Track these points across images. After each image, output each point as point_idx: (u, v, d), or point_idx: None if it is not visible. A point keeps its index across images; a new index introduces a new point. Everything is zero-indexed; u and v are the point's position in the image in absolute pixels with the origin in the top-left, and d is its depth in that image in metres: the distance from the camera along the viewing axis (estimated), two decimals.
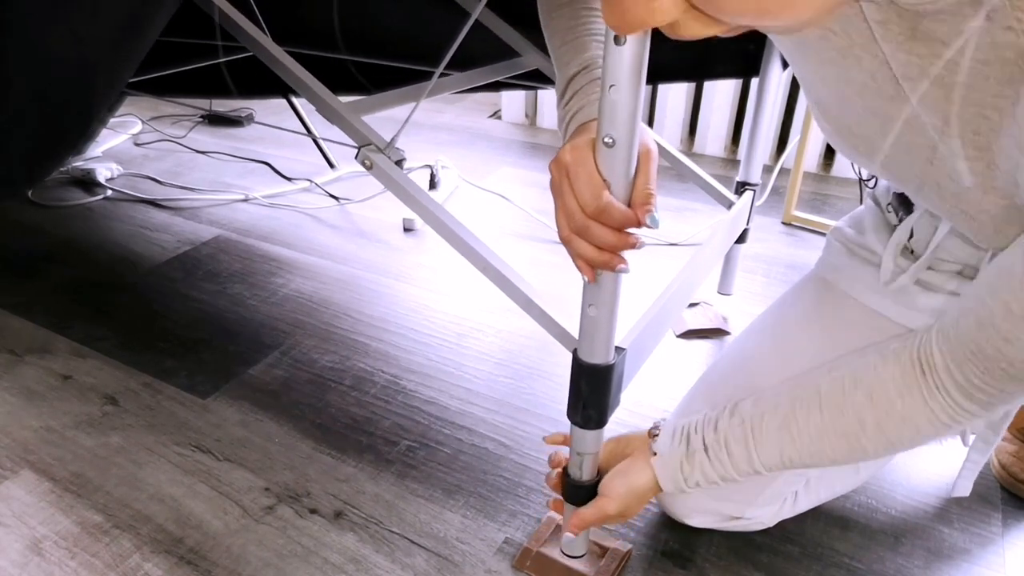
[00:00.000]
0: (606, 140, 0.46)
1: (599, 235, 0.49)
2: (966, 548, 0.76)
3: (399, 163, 0.68)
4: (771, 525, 0.74)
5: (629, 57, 0.42)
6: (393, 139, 0.68)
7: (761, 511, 0.71)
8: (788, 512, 0.74)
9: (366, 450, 0.89)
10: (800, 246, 1.41)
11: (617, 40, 0.41)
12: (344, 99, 0.72)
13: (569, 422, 0.62)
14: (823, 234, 1.46)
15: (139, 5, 0.57)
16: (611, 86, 0.43)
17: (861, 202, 0.76)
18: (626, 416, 0.94)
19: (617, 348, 0.59)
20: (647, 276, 1.26)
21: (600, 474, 0.66)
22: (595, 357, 0.57)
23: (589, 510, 0.64)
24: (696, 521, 0.73)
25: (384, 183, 0.66)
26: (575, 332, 0.59)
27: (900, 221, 0.66)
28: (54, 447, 0.88)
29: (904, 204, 0.67)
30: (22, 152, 0.68)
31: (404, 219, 1.46)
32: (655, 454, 0.64)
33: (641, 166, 0.49)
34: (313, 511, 0.80)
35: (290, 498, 0.81)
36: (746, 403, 0.62)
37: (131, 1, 0.57)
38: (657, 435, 0.66)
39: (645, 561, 0.74)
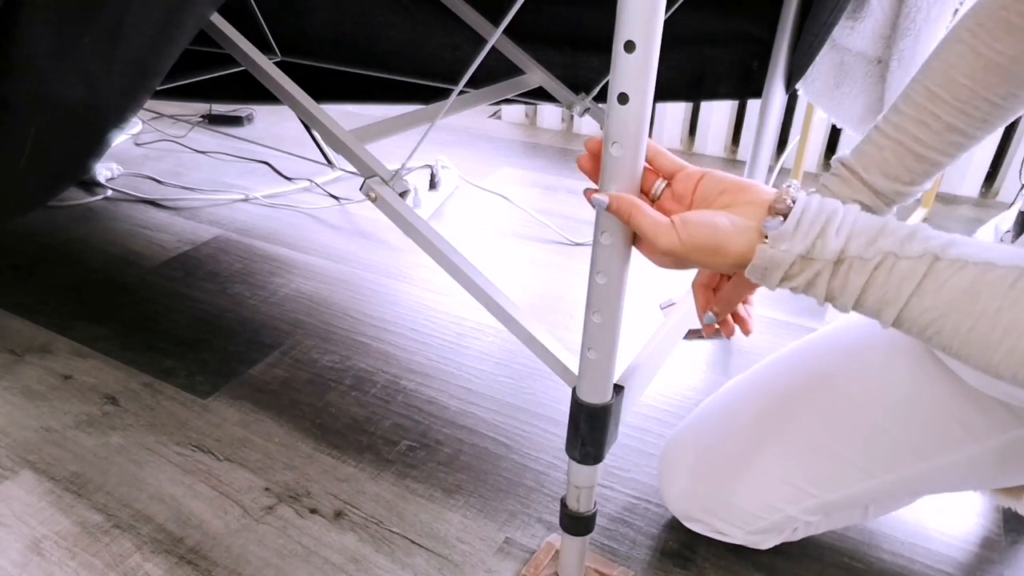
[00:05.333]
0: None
1: None
2: (967, 548, 0.76)
3: (403, 194, 0.68)
4: (765, 549, 0.73)
5: (634, 117, 0.43)
6: (398, 171, 0.68)
7: (754, 537, 0.71)
8: (785, 539, 0.72)
9: (366, 450, 0.89)
10: None
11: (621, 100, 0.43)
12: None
13: (568, 457, 0.62)
14: None
15: (150, 55, 0.58)
16: (613, 143, 0.45)
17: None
18: (625, 415, 0.94)
19: (616, 386, 0.59)
20: (647, 273, 1.26)
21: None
22: (594, 397, 0.58)
23: (646, 219, 0.47)
24: (692, 526, 0.73)
25: (388, 215, 0.66)
26: (574, 365, 0.60)
27: None
28: (54, 447, 0.88)
29: None
30: (35, 180, 0.69)
31: None
32: (765, 237, 0.46)
33: None
34: (313, 511, 0.80)
35: (290, 498, 0.81)
36: (935, 236, 0.44)
37: (143, 54, 0.58)
38: (782, 211, 0.45)
39: (645, 561, 0.74)
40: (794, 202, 0.45)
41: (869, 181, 0.58)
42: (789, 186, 0.46)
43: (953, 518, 0.79)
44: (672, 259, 0.48)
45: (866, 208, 0.59)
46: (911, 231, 0.43)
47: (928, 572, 0.73)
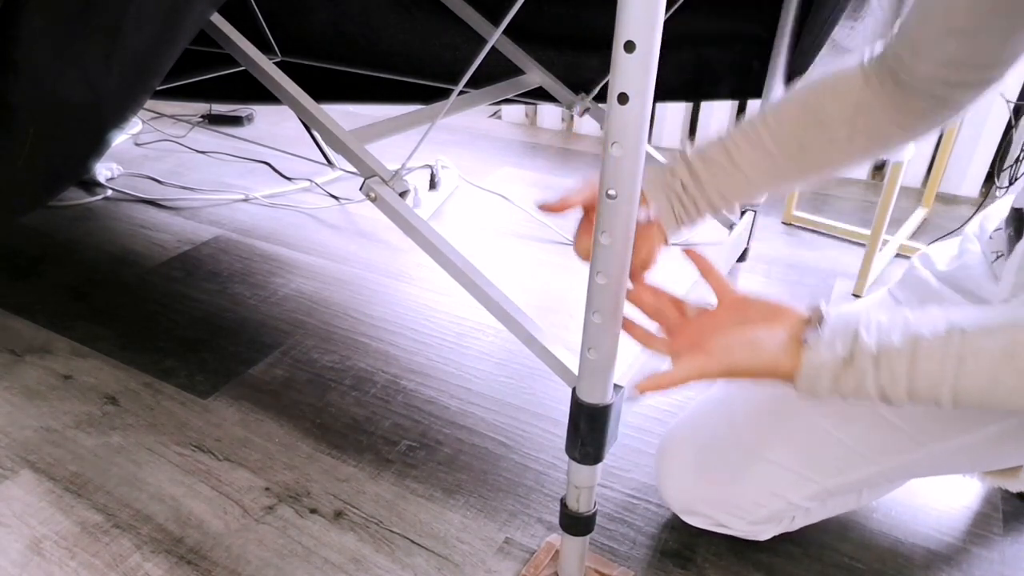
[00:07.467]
0: (609, 193, 0.48)
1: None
2: (966, 548, 0.76)
3: (403, 194, 0.68)
4: (764, 540, 0.73)
5: (634, 117, 0.43)
6: (398, 171, 0.68)
7: (755, 528, 0.71)
8: (783, 530, 0.73)
9: (366, 450, 0.89)
10: (800, 246, 1.41)
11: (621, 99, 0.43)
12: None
13: (568, 457, 0.62)
14: (823, 234, 1.46)
15: (150, 55, 0.58)
16: (613, 143, 0.45)
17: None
18: (625, 415, 0.94)
19: (616, 386, 0.59)
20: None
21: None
22: (594, 397, 0.58)
23: (684, 371, 0.52)
24: (691, 520, 0.73)
25: (388, 215, 0.66)
26: (574, 365, 0.60)
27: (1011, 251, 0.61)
28: (54, 447, 0.88)
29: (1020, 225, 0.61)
30: (35, 180, 0.69)
31: None
32: (805, 341, 0.49)
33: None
34: (313, 511, 0.80)
35: (290, 498, 0.81)
36: (942, 313, 0.48)
37: (143, 54, 0.58)
38: (815, 322, 0.50)
39: (645, 561, 0.74)
40: (825, 315, 0.50)
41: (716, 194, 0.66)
42: (819, 305, 0.51)
43: (952, 517, 0.79)
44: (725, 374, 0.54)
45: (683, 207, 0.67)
46: (927, 315, 0.47)
47: (928, 571, 0.73)
